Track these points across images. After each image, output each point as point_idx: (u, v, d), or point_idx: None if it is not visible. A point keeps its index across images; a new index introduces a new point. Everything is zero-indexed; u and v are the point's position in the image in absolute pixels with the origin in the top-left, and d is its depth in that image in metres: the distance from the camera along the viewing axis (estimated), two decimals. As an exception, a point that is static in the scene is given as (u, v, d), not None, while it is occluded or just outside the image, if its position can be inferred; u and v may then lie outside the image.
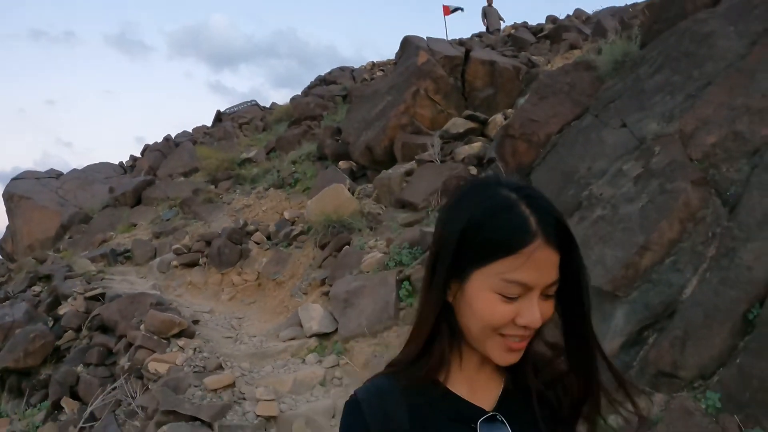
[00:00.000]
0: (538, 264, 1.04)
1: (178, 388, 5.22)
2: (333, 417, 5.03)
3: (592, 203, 4.87)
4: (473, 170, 7.84)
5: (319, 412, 5.04)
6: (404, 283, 6.22)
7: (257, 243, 9.48)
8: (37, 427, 7.14)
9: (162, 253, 10.63)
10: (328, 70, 21.37)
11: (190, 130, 21.99)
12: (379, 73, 17.73)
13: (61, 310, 8.72)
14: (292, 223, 9.42)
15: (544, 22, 18.76)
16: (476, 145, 8.50)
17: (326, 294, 7.06)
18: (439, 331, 1.15)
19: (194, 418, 4.83)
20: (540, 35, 15.21)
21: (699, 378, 3.80)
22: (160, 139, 20.60)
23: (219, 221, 11.38)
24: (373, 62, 20.58)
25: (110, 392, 6.03)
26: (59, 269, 10.60)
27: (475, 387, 1.19)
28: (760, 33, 5.32)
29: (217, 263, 9.21)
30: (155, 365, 5.71)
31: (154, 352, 5.99)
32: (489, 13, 18.89)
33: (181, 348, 6.07)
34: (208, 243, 9.60)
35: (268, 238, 9.57)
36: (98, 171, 20.26)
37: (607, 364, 1.18)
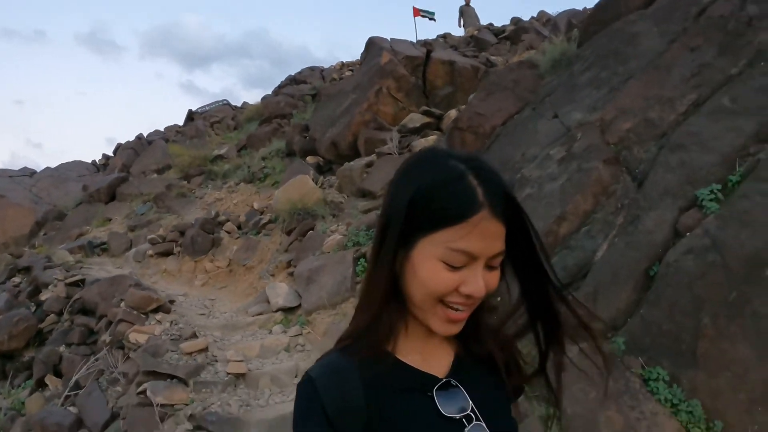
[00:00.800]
0: (484, 234, 1.08)
1: (156, 353, 5.91)
2: (295, 376, 5.76)
3: (522, 184, 5.66)
4: (428, 161, 8.62)
5: (283, 372, 5.78)
6: (360, 260, 6.97)
7: (228, 232, 10.17)
8: (23, 403, 7.77)
9: (137, 245, 11.27)
10: (299, 70, 22.03)
11: (162, 129, 22.61)
12: (348, 73, 18.38)
13: (43, 296, 9.31)
14: (261, 213, 10.14)
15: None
16: (431, 138, 9.28)
17: (291, 274, 7.78)
18: (387, 301, 1.18)
19: (172, 377, 5.54)
20: (501, 36, 16.04)
21: (612, 329, 4.53)
22: (131, 139, 21.16)
23: (192, 214, 12.02)
24: (342, 62, 21.25)
25: (94, 362, 6.70)
26: (38, 260, 11.16)
27: (427, 356, 1.22)
28: (679, 32, 6.13)
29: (191, 252, 9.88)
30: (135, 336, 6.38)
31: (133, 325, 6.66)
32: (466, 13, 19.58)
33: (159, 321, 6.76)
34: (182, 233, 10.27)
35: (239, 227, 10.27)
36: (71, 169, 20.79)
37: (571, 309, 1.23)
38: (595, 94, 6.04)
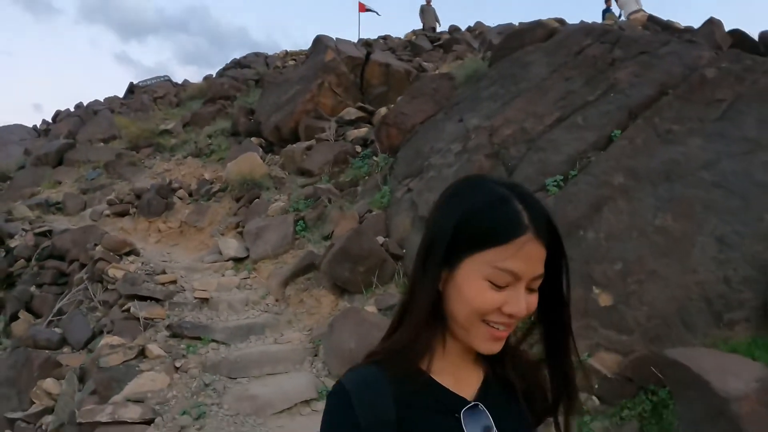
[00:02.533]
0: (528, 255, 1.17)
1: (134, 283, 7.69)
2: (246, 305, 7.67)
3: (428, 169, 7.72)
4: (358, 148, 10.64)
5: (236, 301, 7.69)
6: (300, 222, 8.95)
7: (180, 198, 11.91)
8: (-2, 334, 9.35)
9: (92, 206, 12.85)
10: (244, 55, 23.66)
11: (102, 100, 23.91)
12: (291, 62, 20.05)
13: (12, 244, 10.88)
14: (211, 183, 11.94)
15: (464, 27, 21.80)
16: (363, 130, 11.30)
17: (240, 233, 9.66)
18: (429, 320, 1.25)
19: (151, 298, 7.38)
20: (436, 44, 18.15)
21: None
22: (62, 107, 22.39)
23: (142, 182, 13.57)
24: (286, 51, 22.95)
25: (75, 293, 8.42)
26: (-2, 214, 12.65)
27: (459, 377, 1.31)
28: (560, 65, 8.27)
29: (146, 213, 11.58)
30: (114, 271, 8.13)
31: (110, 263, 8.41)
32: (426, 12, 21.29)
33: (131, 262, 8.55)
34: (138, 196, 11.95)
35: (190, 194, 12.02)
36: (12, 132, 21.92)
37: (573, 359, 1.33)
38: (491, 106, 8.14)
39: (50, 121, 23.34)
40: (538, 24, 9.89)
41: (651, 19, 13.60)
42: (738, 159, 5.86)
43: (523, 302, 1.19)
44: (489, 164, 7.15)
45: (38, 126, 23.11)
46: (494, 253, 1.16)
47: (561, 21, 17.67)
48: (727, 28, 8.99)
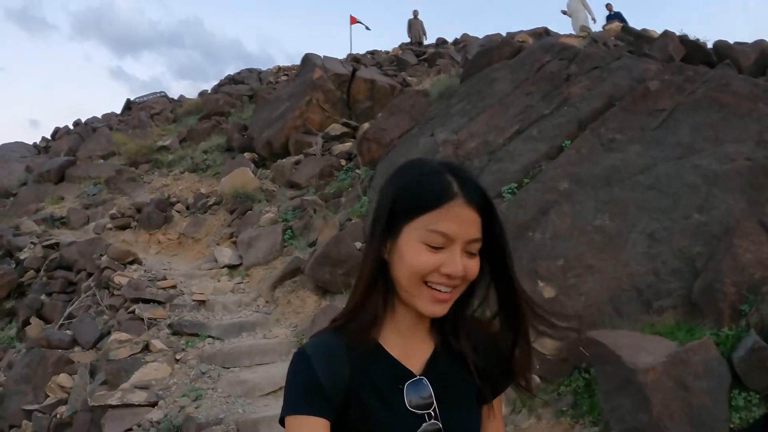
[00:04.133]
0: (459, 218, 1.30)
1: (138, 288, 8.53)
2: (239, 306, 8.52)
3: (402, 180, 8.57)
4: (343, 162, 11.52)
5: (230, 302, 8.55)
6: (288, 231, 9.82)
7: (178, 211, 12.76)
8: (11, 338, 10.16)
9: (94, 220, 13.69)
10: (238, 71, 24.59)
11: (100, 116, 24.80)
12: (284, 77, 20.85)
13: (21, 256, 11.71)
14: (207, 197, 12.78)
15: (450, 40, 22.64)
16: (348, 144, 12.19)
17: (234, 242, 10.51)
18: (375, 288, 1.39)
19: (153, 301, 8.22)
20: (421, 58, 19.04)
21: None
22: (60, 123, 23.24)
23: (142, 197, 14.41)
24: (279, 66, 23.83)
25: (84, 299, 9.26)
26: (6, 229, 13.46)
27: (409, 349, 1.43)
28: (522, 81, 9.11)
29: (147, 226, 12.42)
30: (119, 278, 8.96)
31: (116, 271, 9.24)
32: (413, 26, 22.13)
33: (135, 270, 9.39)
34: (139, 210, 12.80)
35: (187, 208, 12.88)
36: (13, 150, 22.71)
37: (533, 311, 1.44)
38: (459, 121, 8.98)
39: (49, 138, 24.20)
40: (505, 42, 10.78)
41: (624, 29, 14.44)
42: (671, 163, 6.67)
43: (458, 262, 1.30)
44: (455, 174, 7.99)
45: (38, 143, 23.95)
46: (428, 218, 1.30)
47: (546, 31, 18.63)
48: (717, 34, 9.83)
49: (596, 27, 16.48)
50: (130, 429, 6.15)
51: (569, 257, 6.34)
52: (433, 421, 1.37)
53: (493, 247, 1.39)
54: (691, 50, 9.71)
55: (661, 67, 8.10)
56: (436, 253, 1.31)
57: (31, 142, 24.23)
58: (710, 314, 5.46)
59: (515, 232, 6.66)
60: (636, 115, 7.32)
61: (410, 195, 1.34)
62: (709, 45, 10.48)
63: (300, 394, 1.32)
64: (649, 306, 5.94)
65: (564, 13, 16.94)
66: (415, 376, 1.40)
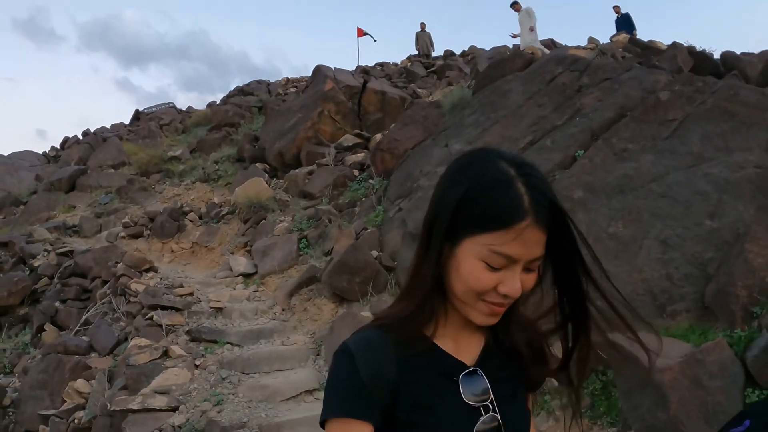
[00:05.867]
0: (525, 241, 1.22)
1: (155, 295, 8.70)
2: (255, 314, 8.69)
3: (416, 190, 8.76)
4: (356, 172, 11.73)
5: (247, 310, 8.72)
6: (303, 240, 9.99)
7: (191, 221, 12.96)
8: (26, 344, 10.34)
9: (106, 228, 13.90)
10: (246, 82, 24.88)
11: (109, 127, 25.11)
12: (292, 89, 21.16)
13: (35, 263, 11.91)
14: (220, 206, 12.98)
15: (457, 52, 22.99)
16: (360, 155, 12.41)
17: (248, 252, 10.69)
18: (432, 292, 1.34)
19: (171, 308, 8.39)
20: (430, 70, 19.30)
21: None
22: (67, 133, 23.58)
23: (154, 206, 14.64)
24: (287, 78, 24.18)
25: (101, 305, 9.43)
26: (18, 237, 13.67)
27: (460, 343, 1.40)
28: (534, 92, 9.31)
29: (159, 234, 12.61)
30: (136, 286, 9.14)
31: (132, 279, 9.43)
32: (420, 38, 22.52)
33: (150, 277, 9.57)
34: (152, 219, 12.99)
35: (200, 217, 13.08)
36: (23, 158, 23.05)
37: (610, 305, 1.42)
38: (473, 132, 9.18)
39: (59, 147, 24.50)
40: (516, 54, 11.01)
41: (632, 41, 14.68)
42: (683, 172, 6.84)
43: (517, 283, 1.25)
44: (469, 183, 8.20)
45: (47, 152, 24.25)
46: (492, 237, 1.22)
47: (552, 42, 18.89)
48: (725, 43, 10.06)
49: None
50: (152, 432, 6.32)
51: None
52: (492, 414, 1.35)
53: (562, 255, 1.33)
54: (699, 61, 9.92)
55: (671, 78, 8.28)
56: (494, 273, 1.25)
57: (39, 152, 24.50)
58: (723, 317, 5.62)
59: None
60: (647, 125, 7.50)
61: (476, 207, 1.25)
62: (716, 55, 10.71)
63: (343, 394, 1.28)
64: (663, 310, 6.09)
65: (514, 36, 17.09)
66: (469, 368, 1.37)
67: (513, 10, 16.19)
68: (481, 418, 1.33)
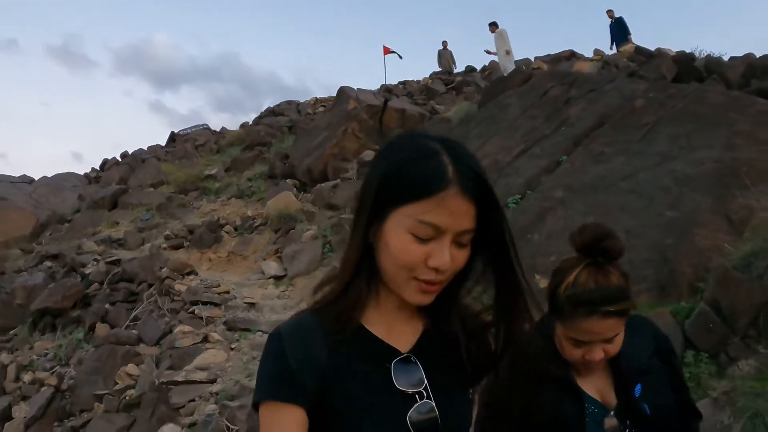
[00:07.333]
0: (451, 210, 1.22)
1: (196, 293, 10.08)
2: (284, 309, 10.00)
3: (424, 194, 10.01)
4: (377, 184, 13.04)
5: (277, 306, 10.08)
6: (326, 245, 11.35)
7: (227, 232, 14.36)
8: (80, 341, 11.71)
9: (149, 241, 15.36)
10: (277, 102, 26.38)
11: (146, 148, 26.76)
12: (321, 108, 22.49)
13: (86, 271, 13.35)
14: (253, 219, 14.39)
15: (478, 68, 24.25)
16: (381, 168, 13.69)
17: (279, 257, 12.06)
18: (359, 272, 1.35)
19: (210, 303, 9.76)
20: (449, 86, 20.60)
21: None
22: (102, 155, 25.21)
23: (192, 221, 16.08)
24: (316, 98, 25.51)
25: (147, 304, 10.83)
26: (69, 249, 15.18)
27: (393, 329, 1.40)
28: (529, 105, 10.56)
29: (198, 245, 14.03)
30: (178, 286, 10.53)
31: (175, 280, 10.82)
32: (442, 56, 23.73)
33: (192, 279, 10.97)
34: (191, 231, 14.43)
35: (236, 229, 14.49)
36: (66, 179, 24.79)
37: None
38: (476, 143, 10.44)
39: (98, 168, 26.21)
40: (517, 71, 12.28)
41: (638, 50, 15.68)
42: (650, 170, 7.93)
43: (446, 255, 1.24)
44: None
45: (88, 173, 25.99)
46: (417, 207, 1.22)
47: (572, 53, 20.00)
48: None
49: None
50: (193, 399, 7.62)
51: (560, 253, 7.63)
52: (425, 400, 1.35)
53: (492, 234, 1.34)
54: (683, 68, 11.04)
55: (649, 85, 9.44)
56: (423, 245, 1.26)
57: (80, 173, 26.27)
58: (674, 293, 6.75)
59: (518, 235, 7.89)
60: (623, 130, 8.67)
61: (399, 179, 1.26)
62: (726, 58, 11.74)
63: (272, 378, 1.32)
64: (626, 291, 7.24)
65: (488, 52, 18.05)
66: (402, 355, 1.38)
67: (490, 32, 17.27)
68: (415, 405, 1.34)
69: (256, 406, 1.33)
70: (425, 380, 1.36)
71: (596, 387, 1.99)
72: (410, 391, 1.34)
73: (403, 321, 1.43)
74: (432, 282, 1.29)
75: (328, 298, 1.40)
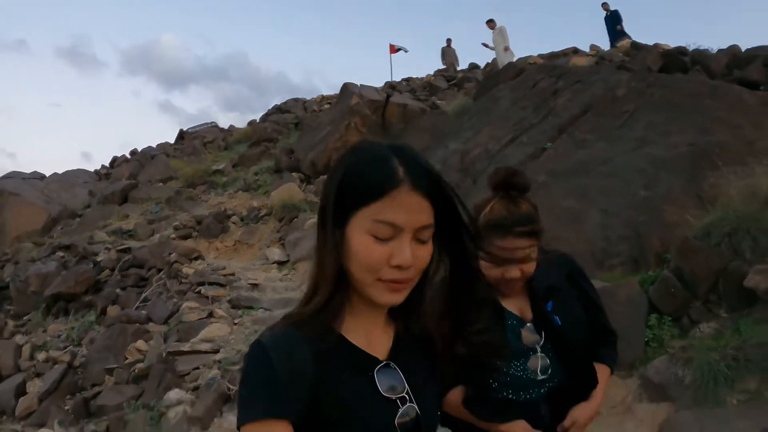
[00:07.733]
0: (405, 206, 1.29)
1: (203, 275, 10.69)
2: (286, 290, 10.61)
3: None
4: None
5: (279, 287, 10.68)
6: (326, 230, 11.91)
7: (234, 222, 14.96)
8: (92, 323, 12.30)
9: (158, 232, 15.98)
10: (284, 100, 26.92)
11: (155, 146, 27.35)
12: (327, 106, 22.90)
13: (98, 259, 13.97)
14: (259, 209, 15.01)
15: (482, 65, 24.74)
16: (381, 161, 14.31)
17: (282, 244, 12.66)
18: (337, 281, 1.37)
19: (216, 284, 10.37)
20: (451, 83, 21.18)
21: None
22: (111, 154, 25.55)
23: (200, 212, 16.74)
24: (322, 95, 25.94)
25: (156, 287, 11.45)
26: (80, 240, 15.79)
27: (371, 337, 1.46)
28: (519, 97, 11.12)
29: (206, 235, 14.63)
30: (186, 270, 11.15)
31: (183, 264, 11.43)
32: (446, 53, 24.35)
33: (199, 264, 11.59)
34: (199, 222, 15.03)
35: (242, 219, 15.10)
36: (77, 176, 25.26)
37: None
38: (469, 134, 11.02)
39: (108, 166, 26.82)
40: (510, 66, 12.86)
41: (634, 45, 16.13)
42: (628, 154, 8.46)
43: (407, 252, 1.31)
44: (458, 176, 10.00)
45: (98, 170, 26.62)
46: (373, 208, 1.30)
47: (575, 50, 20.47)
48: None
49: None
50: (198, 367, 8.21)
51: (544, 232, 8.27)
52: (410, 404, 1.42)
53: (450, 230, 1.42)
54: (669, 60, 11.58)
55: (632, 76, 9.98)
56: (384, 245, 1.31)
57: (90, 170, 26.93)
58: (644, 264, 7.31)
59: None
60: (605, 118, 9.22)
61: (354, 183, 1.34)
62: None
63: (258, 394, 1.31)
64: (602, 265, 7.75)
65: (485, 46, 18.52)
66: (382, 362, 1.43)
67: (488, 28, 17.82)
68: (400, 411, 1.41)
69: (239, 429, 1.33)
70: (406, 384, 1.44)
71: (515, 304, 2.38)
72: (394, 396, 1.42)
73: (379, 327, 1.50)
74: (397, 281, 1.35)
75: (311, 311, 1.40)
